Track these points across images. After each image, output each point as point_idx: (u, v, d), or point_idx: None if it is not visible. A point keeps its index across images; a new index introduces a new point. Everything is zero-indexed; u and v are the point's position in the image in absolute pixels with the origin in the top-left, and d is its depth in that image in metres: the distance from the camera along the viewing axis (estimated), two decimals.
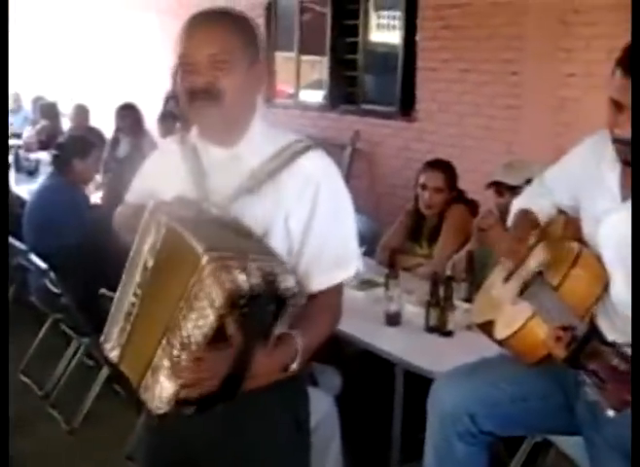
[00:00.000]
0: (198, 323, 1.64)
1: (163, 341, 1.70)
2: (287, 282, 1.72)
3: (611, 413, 1.67)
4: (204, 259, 1.62)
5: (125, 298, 1.83)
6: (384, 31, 8.14)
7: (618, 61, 2.04)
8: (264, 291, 1.66)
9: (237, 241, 1.79)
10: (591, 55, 5.48)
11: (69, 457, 3.94)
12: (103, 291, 3.69)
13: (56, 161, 5.20)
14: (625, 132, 2.04)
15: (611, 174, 2.23)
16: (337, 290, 1.98)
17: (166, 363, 1.70)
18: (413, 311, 3.49)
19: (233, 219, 1.85)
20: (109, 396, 4.33)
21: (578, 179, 2.37)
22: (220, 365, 1.69)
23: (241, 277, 1.62)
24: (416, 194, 4.33)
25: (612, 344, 1.68)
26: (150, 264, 1.78)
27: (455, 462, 2.52)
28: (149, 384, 1.74)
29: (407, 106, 7.48)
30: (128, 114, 7.50)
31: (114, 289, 3.67)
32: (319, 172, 1.92)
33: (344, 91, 8.36)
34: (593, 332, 1.71)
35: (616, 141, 2.11)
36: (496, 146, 6.31)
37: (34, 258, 4.33)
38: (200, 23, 1.88)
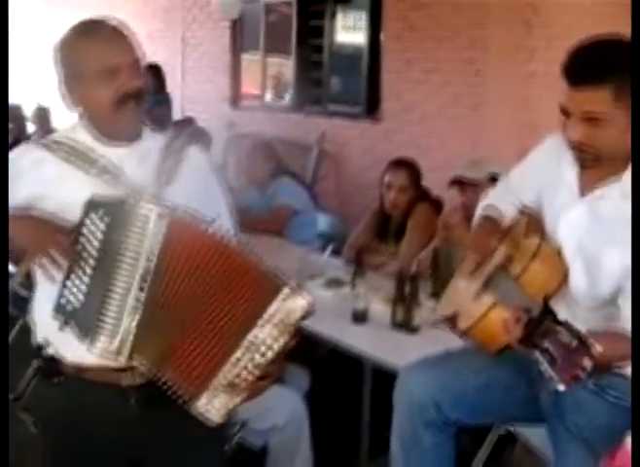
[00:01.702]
0: (275, 345, 1.88)
1: (232, 358, 1.88)
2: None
3: (562, 387, 1.74)
4: (286, 287, 1.88)
5: (123, 292, 1.89)
6: (350, 32, 8.19)
7: (562, 69, 2.12)
8: None
9: None
10: (552, 55, 5.55)
11: (37, 461, 3.93)
12: None
13: None
14: (571, 136, 2.14)
15: (570, 171, 2.30)
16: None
17: (237, 380, 1.89)
18: (380, 309, 3.53)
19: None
20: None
21: (540, 177, 2.44)
22: (273, 376, 1.95)
23: (306, 298, 1.89)
24: (382, 193, 4.38)
25: (564, 323, 1.75)
26: (155, 253, 1.88)
27: (422, 452, 2.57)
28: (211, 394, 1.89)
29: (372, 107, 7.53)
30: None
31: None
32: (203, 163, 2.21)
33: (310, 93, 8.40)
34: (547, 312, 1.77)
35: (570, 146, 2.20)
36: (461, 145, 6.38)
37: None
38: (106, 31, 2.03)
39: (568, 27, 5.31)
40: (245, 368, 1.87)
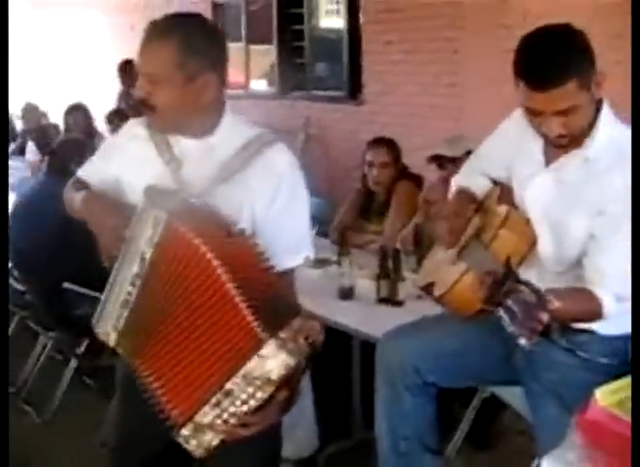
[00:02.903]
0: (256, 395, 1.79)
1: (213, 399, 1.82)
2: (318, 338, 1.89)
3: (523, 341, 1.83)
4: (270, 343, 1.75)
5: (121, 285, 1.97)
6: (331, 17, 8.26)
7: (519, 72, 2.20)
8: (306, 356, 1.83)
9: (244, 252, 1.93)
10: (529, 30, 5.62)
11: (45, 448, 4.01)
12: (67, 285, 3.81)
13: (52, 166, 5.02)
14: (552, 133, 2.22)
15: (535, 143, 2.40)
16: (287, 276, 2.11)
17: (217, 420, 1.83)
18: (366, 285, 3.63)
19: (212, 208, 1.98)
20: (79, 388, 4.45)
21: (508, 149, 2.54)
22: (264, 422, 1.88)
23: (296, 356, 1.77)
24: (364, 172, 4.49)
25: (525, 282, 1.84)
26: (147, 256, 1.91)
27: (403, 412, 2.68)
28: (195, 430, 1.86)
29: (355, 90, 7.62)
30: (78, 114, 7.53)
31: (76, 282, 3.78)
32: (284, 165, 2.10)
33: (294, 79, 8.47)
34: (509, 273, 1.86)
35: (544, 137, 2.29)
36: (443, 124, 6.44)
37: None
38: (146, 38, 2.03)
39: (544, 2, 5.38)
40: (225, 411, 1.82)
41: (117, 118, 6.97)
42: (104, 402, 3.92)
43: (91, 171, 2.28)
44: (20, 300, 4.46)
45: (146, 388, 1.93)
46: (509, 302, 1.81)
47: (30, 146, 7.48)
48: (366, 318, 3.39)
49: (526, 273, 2.18)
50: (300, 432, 3.45)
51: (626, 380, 2.05)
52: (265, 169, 2.05)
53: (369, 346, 3.24)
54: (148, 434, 2.15)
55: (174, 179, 2.04)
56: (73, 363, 4.33)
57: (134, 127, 2.21)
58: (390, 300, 3.46)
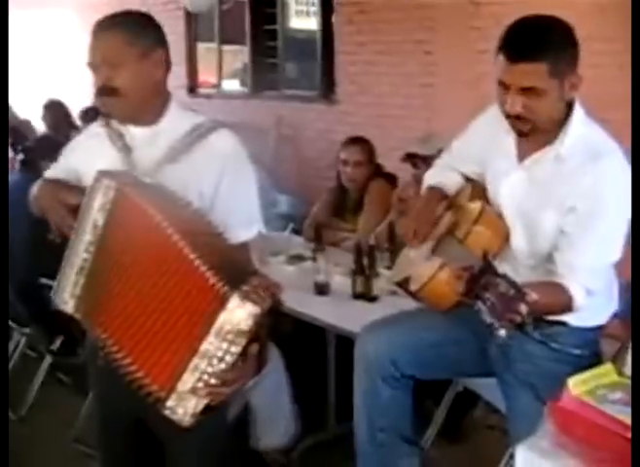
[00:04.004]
0: (230, 349, 1.83)
1: (191, 365, 1.85)
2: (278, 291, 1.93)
3: (502, 332, 1.88)
4: (234, 296, 1.80)
5: (76, 253, 2.05)
6: (302, 18, 8.30)
7: (501, 45, 2.27)
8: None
9: (191, 217, 2.01)
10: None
11: (20, 444, 4.01)
12: (43, 280, 3.81)
13: (25, 164, 5.06)
14: (511, 109, 2.28)
15: (508, 139, 2.46)
16: (244, 248, 2.22)
17: (199, 384, 1.86)
18: (341, 281, 3.67)
19: (161, 185, 2.07)
20: (53, 385, 4.47)
21: (481, 146, 2.60)
22: (242, 379, 1.94)
23: (260, 305, 1.82)
24: (338, 170, 4.53)
25: (502, 275, 1.90)
26: (100, 223, 2.00)
27: (381, 404, 2.73)
28: (179, 399, 1.89)
29: (327, 90, 7.66)
30: (55, 111, 7.53)
31: (53, 278, 3.79)
32: (227, 146, 2.21)
33: (266, 78, 8.49)
34: (488, 267, 1.91)
35: (507, 117, 2.34)
36: (415, 124, 6.49)
37: None
38: (93, 35, 2.14)
39: (516, 5, 5.45)
40: (205, 373, 1.85)
41: (89, 115, 6.96)
42: (79, 398, 3.99)
43: (55, 171, 2.38)
44: None
45: (116, 364, 1.96)
46: (487, 295, 1.86)
47: None
48: (341, 313, 3.42)
49: (500, 267, 2.24)
50: (277, 424, 3.50)
51: (597, 370, 2.12)
52: (209, 151, 2.16)
53: (344, 341, 3.29)
54: (125, 404, 2.22)
55: (125, 163, 2.15)
56: (48, 359, 4.33)
57: (93, 128, 2.33)
58: (365, 295, 3.50)
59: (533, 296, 1.89)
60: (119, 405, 2.27)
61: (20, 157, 5.12)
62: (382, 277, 3.57)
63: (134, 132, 2.20)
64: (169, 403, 1.89)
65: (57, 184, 2.24)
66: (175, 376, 1.87)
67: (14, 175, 5.29)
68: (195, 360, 1.84)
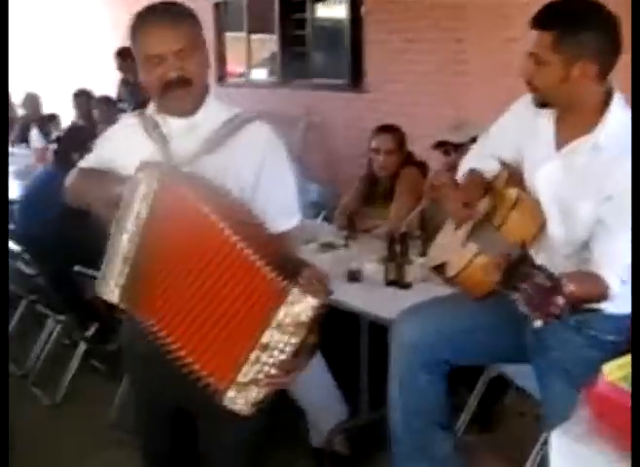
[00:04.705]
0: (291, 341, 1.88)
1: (252, 357, 1.90)
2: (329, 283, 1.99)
3: (538, 323, 1.89)
4: (294, 290, 1.84)
5: (120, 244, 2.02)
6: (331, 6, 8.30)
7: (532, 19, 2.33)
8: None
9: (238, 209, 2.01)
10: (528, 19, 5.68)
11: (54, 431, 4.06)
12: (78, 268, 3.85)
13: (58, 154, 5.11)
14: (521, 73, 2.38)
15: (546, 127, 2.47)
16: (287, 237, 2.22)
17: (259, 375, 1.92)
18: (373, 268, 3.69)
19: (202, 175, 2.05)
20: (87, 371, 4.51)
21: (518, 132, 2.60)
22: (299, 368, 1.99)
23: (319, 297, 1.86)
24: (369, 158, 4.54)
25: (539, 267, 1.90)
26: (143, 213, 1.98)
27: (418, 389, 2.75)
28: (239, 390, 1.94)
29: (356, 78, 7.66)
30: (83, 100, 7.60)
31: (88, 266, 3.83)
32: (264, 138, 2.22)
33: (295, 67, 8.50)
34: (525, 257, 1.92)
35: (533, 90, 2.40)
36: (446, 112, 6.48)
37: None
38: (161, 21, 2.09)
39: None
40: (266, 364, 1.90)
41: (103, 104, 7.12)
42: (113, 385, 4.03)
43: (89, 161, 2.36)
44: (29, 283, 4.51)
45: (166, 353, 1.97)
46: (524, 286, 1.86)
47: (35, 133, 7.51)
48: (374, 300, 3.44)
49: (536, 256, 2.25)
50: (330, 411, 3.58)
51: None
52: (247, 141, 2.16)
53: (377, 328, 3.31)
54: (168, 391, 2.25)
55: (162, 154, 2.13)
56: (82, 346, 4.38)
57: (127, 118, 2.33)
58: (398, 282, 3.52)
59: (570, 287, 1.89)
60: (160, 392, 2.28)
61: (54, 147, 5.17)
62: (415, 264, 3.58)
63: (171, 123, 2.19)
64: (230, 394, 1.94)
65: (98, 173, 2.22)
66: (235, 368, 1.91)
67: (47, 166, 5.37)
68: (256, 352, 1.89)
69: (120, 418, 3.95)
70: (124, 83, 8.23)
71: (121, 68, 8.14)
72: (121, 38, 9.50)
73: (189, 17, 2.13)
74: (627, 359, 2.10)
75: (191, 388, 1.96)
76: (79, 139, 5.08)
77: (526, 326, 2.37)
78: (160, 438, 2.43)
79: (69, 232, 4.17)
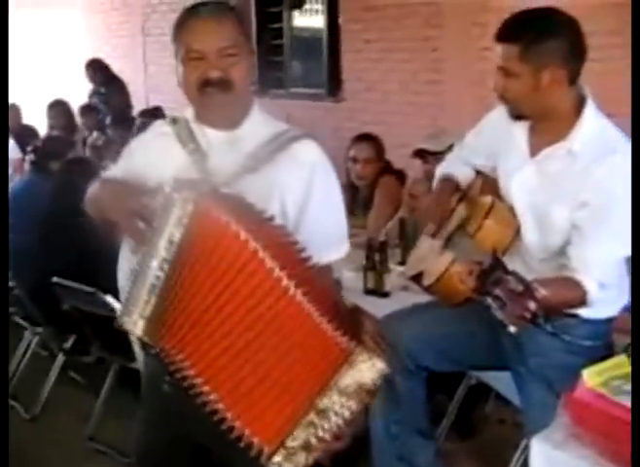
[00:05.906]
0: (352, 407, 1.66)
1: (305, 420, 1.66)
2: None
3: (512, 328, 1.90)
4: (361, 353, 1.63)
5: (148, 271, 1.80)
6: (308, 16, 8.31)
7: (497, 34, 2.37)
8: None
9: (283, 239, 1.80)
10: None
11: (33, 442, 4.02)
12: (55, 279, 3.83)
13: (35, 164, 5.03)
14: (494, 88, 2.41)
15: (520, 135, 2.49)
16: (330, 271, 2.04)
17: (312, 439, 1.67)
18: (352, 277, 3.66)
19: (243, 197, 1.82)
20: (66, 383, 4.46)
21: (492, 141, 2.63)
22: (353, 430, 1.73)
23: (384, 359, 1.67)
24: (347, 168, 4.54)
25: (512, 272, 1.90)
26: (176, 238, 1.76)
27: (396, 396, 2.75)
28: (288, 455, 1.68)
29: (334, 87, 7.67)
30: (59, 110, 7.55)
31: (65, 277, 3.79)
32: (314, 158, 2.04)
33: (273, 77, 8.50)
34: (497, 263, 1.92)
35: (506, 103, 2.44)
36: (422, 120, 6.50)
37: None
38: (207, 16, 1.97)
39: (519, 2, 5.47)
40: (320, 429, 1.66)
41: (89, 112, 7.12)
42: (92, 397, 4.01)
43: (115, 172, 2.16)
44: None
45: (202, 403, 1.73)
46: (497, 291, 1.87)
47: (11, 144, 7.47)
48: None
49: (511, 261, 2.26)
50: None
51: (611, 362, 2.14)
52: (293, 162, 1.98)
53: None
54: (192, 431, 2.03)
55: (199, 170, 1.95)
56: (60, 358, 4.35)
57: (159, 126, 2.15)
58: (377, 291, 3.52)
59: (542, 292, 1.89)
60: (186, 433, 2.05)
61: (31, 157, 5.13)
62: (394, 273, 3.58)
63: (211, 135, 2.01)
64: (276, 458, 1.69)
65: (125, 185, 1.99)
66: (285, 431, 1.68)
67: (24, 176, 5.34)
68: (311, 416, 1.67)
69: (98, 431, 3.92)
70: (96, 93, 8.26)
71: (92, 80, 8.15)
72: (94, 49, 9.54)
73: (236, 18, 2.01)
74: (606, 364, 2.12)
75: (223, 433, 1.72)
76: (56, 149, 5.08)
77: (504, 332, 2.38)
78: None
79: (47, 243, 4.15)
